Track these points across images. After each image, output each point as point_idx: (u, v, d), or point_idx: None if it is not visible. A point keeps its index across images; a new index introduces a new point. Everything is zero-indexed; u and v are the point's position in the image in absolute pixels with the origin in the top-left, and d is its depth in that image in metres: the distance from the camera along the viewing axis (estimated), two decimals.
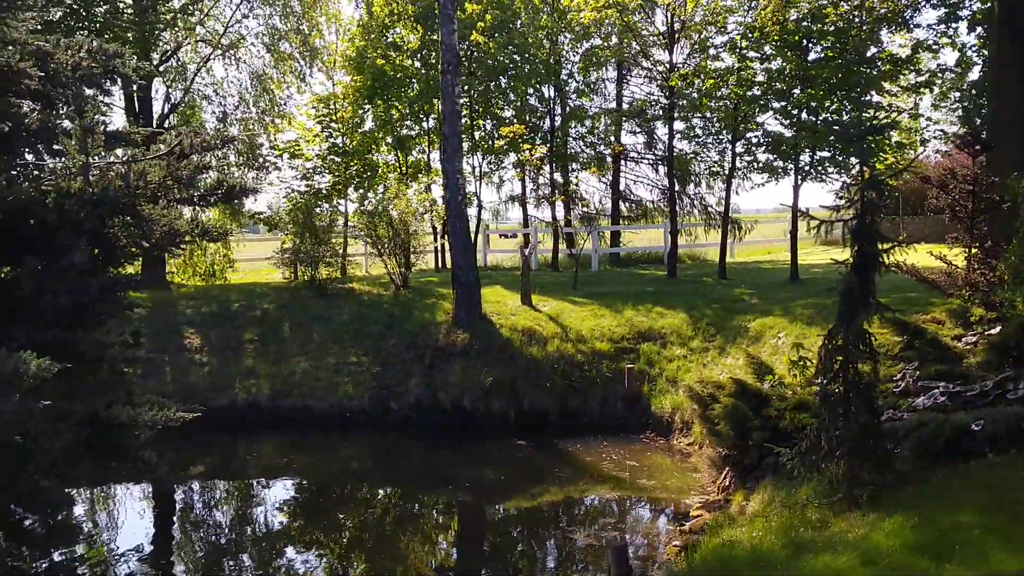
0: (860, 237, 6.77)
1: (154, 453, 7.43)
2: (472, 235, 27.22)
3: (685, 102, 20.43)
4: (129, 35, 17.95)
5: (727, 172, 20.56)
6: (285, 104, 24.58)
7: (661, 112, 21.62)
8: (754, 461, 9.07)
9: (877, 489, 6.79)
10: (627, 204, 29.58)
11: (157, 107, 21.45)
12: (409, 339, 15.64)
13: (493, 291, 18.06)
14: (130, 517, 11.43)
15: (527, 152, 20.53)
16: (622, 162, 28.66)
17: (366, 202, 23.94)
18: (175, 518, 11.47)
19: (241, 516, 11.38)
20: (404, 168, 27.72)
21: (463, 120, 27.40)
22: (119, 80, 19.97)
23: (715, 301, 16.43)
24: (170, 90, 21.87)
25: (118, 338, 7.54)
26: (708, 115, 20.44)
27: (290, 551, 9.72)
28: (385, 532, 10.34)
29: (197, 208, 11.62)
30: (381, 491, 12.35)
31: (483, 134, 26.79)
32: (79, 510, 11.58)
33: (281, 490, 12.41)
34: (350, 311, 16.90)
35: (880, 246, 6.92)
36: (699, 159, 23.36)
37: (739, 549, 6.58)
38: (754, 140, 19.35)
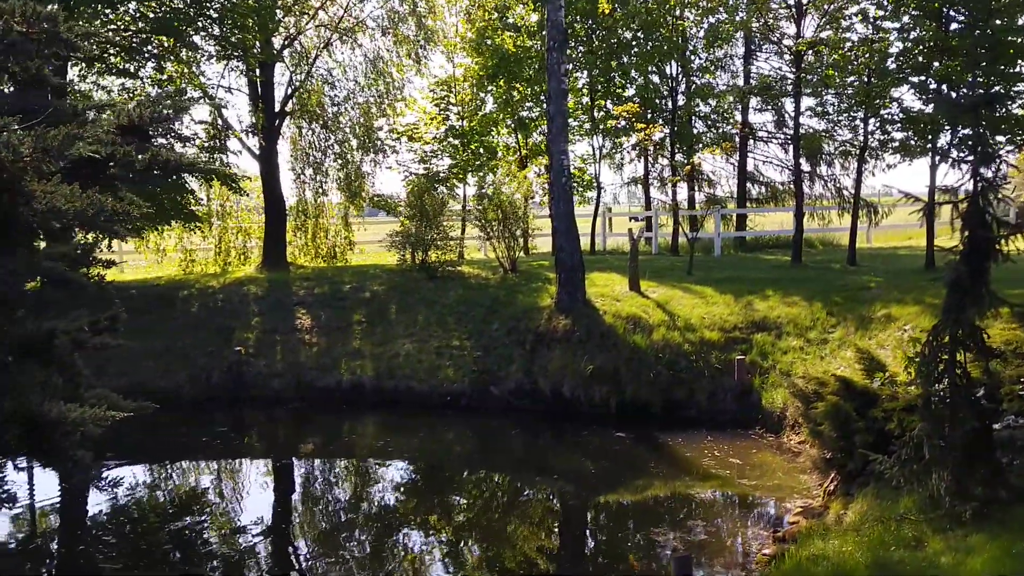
0: (971, 221, 5.94)
1: (89, 453, 7.21)
2: (592, 218, 27.08)
3: (815, 76, 19.18)
4: (250, 21, 18.38)
5: (859, 151, 19.17)
6: (403, 87, 24.73)
7: (790, 88, 20.36)
8: (858, 466, 8.29)
9: (985, 506, 5.99)
10: (755, 186, 28.25)
11: (280, 93, 21.99)
12: (512, 323, 15.40)
13: (603, 276, 17.54)
14: (253, 491, 11.80)
15: (643, 132, 19.79)
16: (750, 142, 27.36)
17: (485, 186, 23.82)
18: (293, 495, 11.71)
19: (353, 494, 11.53)
20: (524, 150, 27.46)
21: (584, 100, 26.98)
22: (242, 67, 20.72)
23: (839, 289, 15.34)
24: (294, 75, 22.34)
25: (70, 325, 7.35)
26: (839, 90, 19.09)
27: (404, 531, 9.74)
28: (492, 517, 10.21)
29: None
30: (484, 476, 12.25)
31: (603, 114, 26.12)
32: (206, 481, 12.07)
33: (388, 470, 12.46)
34: (456, 295, 16.81)
35: (997, 231, 6.06)
36: (831, 138, 21.89)
37: (822, 566, 5.96)
38: (888, 117, 17.93)
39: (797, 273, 17.85)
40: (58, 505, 11.04)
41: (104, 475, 12.06)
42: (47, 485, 12.19)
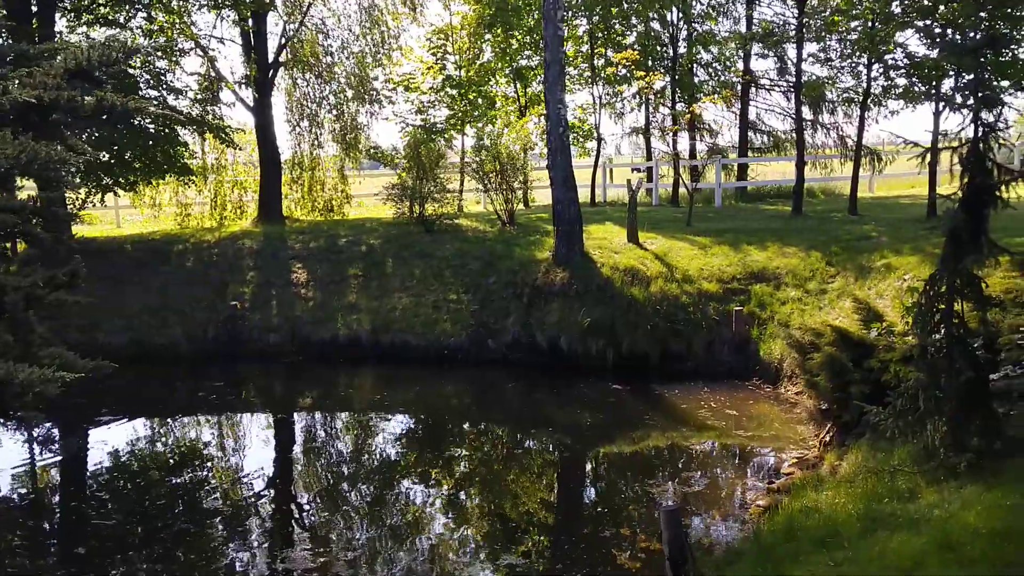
0: (971, 167, 5.76)
1: (40, 414, 7.09)
2: (592, 169, 26.76)
3: (818, 21, 18.76)
4: None
5: (862, 98, 18.83)
6: (399, 36, 24.26)
7: (792, 34, 19.91)
8: (854, 417, 8.21)
9: (980, 457, 5.91)
10: (757, 135, 27.89)
11: (273, 43, 21.58)
12: (509, 276, 15.27)
13: (602, 228, 17.40)
14: (252, 444, 11.84)
15: (643, 80, 19.43)
16: (752, 90, 26.93)
17: (484, 137, 23.51)
18: (292, 448, 11.73)
19: (352, 447, 11.53)
20: (523, 99, 27.08)
21: (584, 48, 26.50)
22: (234, 16, 20.31)
23: (839, 239, 15.19)
24: (287, 24, 21.90)
25: (22, 281, 7.17)
26: (843, 35, 18.69)
27: (404, 483, 9.77)
28: (492, 469, 10.18)
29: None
30: (483, 429, 12.23)
31: (603, 62, 25.67)
32: (205, 436, 12.07)
33: (387, 423, 12.49)
34: (453, 248, 16.66)
35: (998, 177, 5.88)
36: (834, 85, 21.51)
37: (813, 519, 5.90)
38: (892, 63, 17.56)
39: (798, 223, 17.66)
40: (59, 461, 11.10)
41: (104, 430, 12.15)
42: (47, 441, 12.27)
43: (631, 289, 14.20)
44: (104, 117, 7.70)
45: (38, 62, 7.86)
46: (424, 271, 16.08)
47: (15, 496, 9.74)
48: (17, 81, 6.25)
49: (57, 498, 9.93)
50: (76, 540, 8.43)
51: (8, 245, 9.25)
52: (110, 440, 11.76)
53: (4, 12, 16.49)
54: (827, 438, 9.16)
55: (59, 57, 7.81)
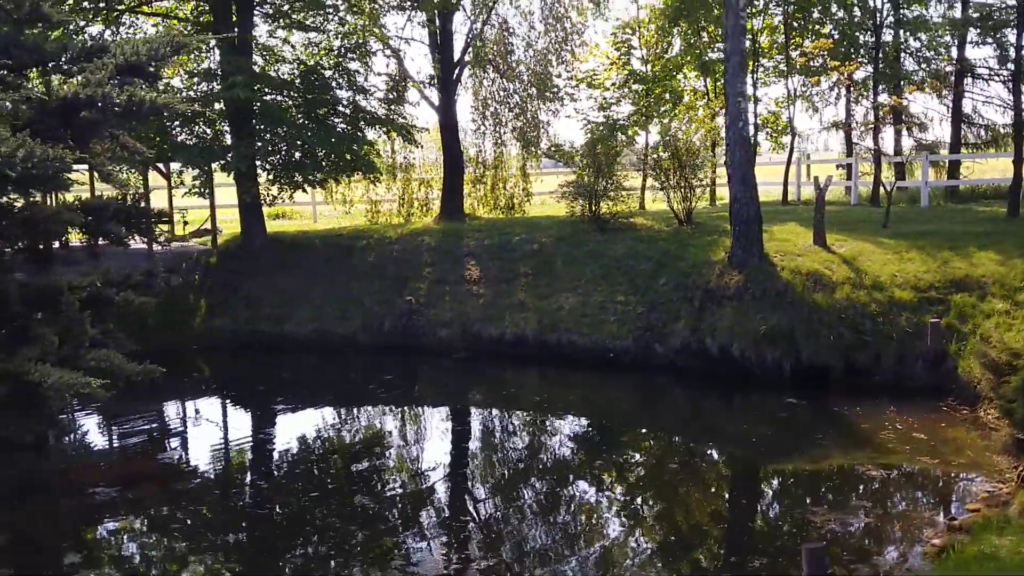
0: None
1: (68, 422, 7.11)
2: (786, 165, 25.35)
3: None
4: None
5: None
6: (583, 32, 24.01)
7: (1013, 18, 17.87)
8: None
9: None
10: (972, 129, 25.35)
11: (459, 43, 21.98)
12: (680, 278, 14.66)
13: (786, 228, 16.34)
14: (427, 436, 12.22)
15: (838, 69, 18.11)
16: (967, 80, 24.49)
17: (668, 134, 22.84)
18: (465, 442, 11.90)
19: (522, 445, 11.61)
20: (712, 95, 26.07)
21: (780, 39, 25.10)
22: (422, 17, 20.83)
23: None
24: (473, 23, 22.23)
25: (82, 280, 7.19)
26: None
27: (576, 483, 9.77)
28: (664, 477, 9.90)
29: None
30: (652, 436, 11.93)
31: (798, 53, 24.21)
32: (382, 425, 12.52)
33: (554, 423, 12.48)
34: (624, 247, 16.20)
35: None
36: None
37: (986, 569, 5.10)
38: None
39: (1011, 227, 15.81)
40: (252, 443, 11.90)
41: (290, 415, 13.12)
42: (240, 423, 13.18)
43: (813, 295, 13.20)
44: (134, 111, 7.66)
45: (89, 58, 8.01)
46: (593, 270, 15.77)
47: (211, 472, 10.57)
48: (60, 77, 6.39)
49: (248, 476, 10.66)
50: (265, 517, 8.96)
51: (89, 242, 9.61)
52: (296, 424, 12.54)
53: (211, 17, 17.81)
54: None
55: (107, 53, 7.99)
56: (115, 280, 8.11)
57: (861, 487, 9.07)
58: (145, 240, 11.34)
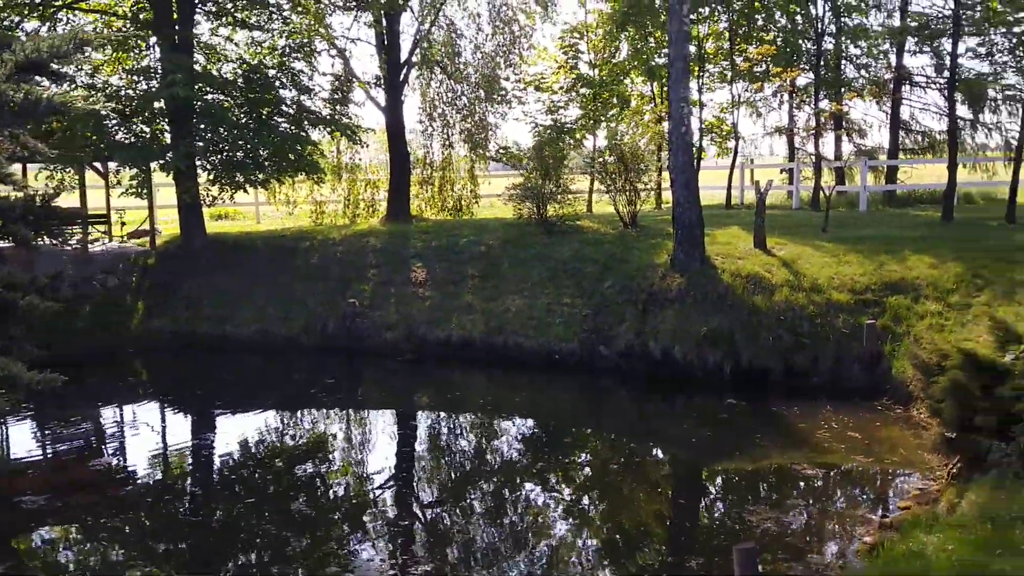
0: None
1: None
2: (729, 170, 25.68)
3: (978, 12, 17.22)
4: None
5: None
6: (531, 35, 24.07)
7: (951, 26, 18.32)
8: (983, 450, 7.31)
9: None
10: (910, 135, 25.98)
11: (406, 44, 21.85)
12: (625, 281, 14.76)
13: (728, 232, 16.56)
14: (371, 440, 12.04)
15: (780, 76, 18.41)
16: (905, 87, 25.11)
17: (616, 138, 22.99)
18: (411, 445, 11.79)
19: (468, 447, 11.55)
20: (659, 99, 26.33)
21: (725, 45, 25.46)
22: (369, 18, 20.66)
23: (992, 249, 13.87)
24: (420, 24, 22.12)
25: (19, 278, 7.06)
26: (1007, 28, 17.09)
27: (522, 485, 9.73)
28: (608, 478, 9.94)
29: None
30: (596, 437, 11.92)
31: (743, 59, 24.59)
32: (325, 429, 12.35)
33: (500, 425, 12.42)
34: (570, 250, 16.26)
35: None
36: (997, 81, 19.72)
37: (913, 567, 5.20)
38: None
39: (946, 231, 16.27)
40: (190, 447, 11.61)
41: (229, 417, 12.81)
42: (178, 427, 12.87)
43: (753, 298, 13.40)
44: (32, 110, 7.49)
45: None
46: (540, 273, 15.80)
47: (150, 480, 10.25)
48: None
49: (188, 483, 10.36)
50: (202, 524, 8.80)
51: None
52: (236, 428, 12.25)
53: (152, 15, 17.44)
54: (954, 470, 8.23)
55: (6, 51, 7.78)
56: (19, 283, 7.81)
57: (798, 486, 9.21)
58: (55, 243, 11.02)
